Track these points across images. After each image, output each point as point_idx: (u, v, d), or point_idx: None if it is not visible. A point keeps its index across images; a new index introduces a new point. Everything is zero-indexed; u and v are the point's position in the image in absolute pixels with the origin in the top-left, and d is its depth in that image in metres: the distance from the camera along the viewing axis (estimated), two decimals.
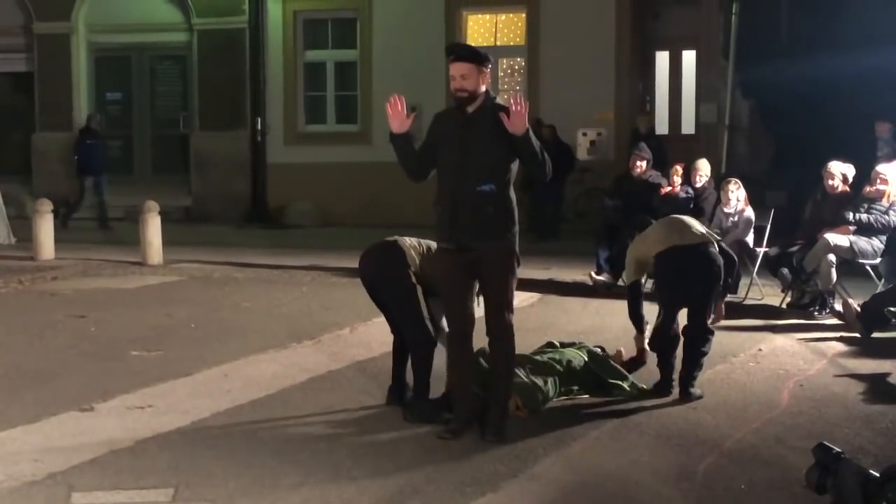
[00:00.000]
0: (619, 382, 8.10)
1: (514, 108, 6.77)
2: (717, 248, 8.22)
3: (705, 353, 8.22)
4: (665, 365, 8.22)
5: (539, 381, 7.65)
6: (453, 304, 7.09)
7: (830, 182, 11.92)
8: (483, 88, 6.98)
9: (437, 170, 7.10)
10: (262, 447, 6.82)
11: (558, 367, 7.93)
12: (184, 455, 6.63)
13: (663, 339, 8.23)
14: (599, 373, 8.10)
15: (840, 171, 11.92)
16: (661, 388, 8.14)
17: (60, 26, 22.53)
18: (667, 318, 8.23)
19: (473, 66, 6.91)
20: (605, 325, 10.85)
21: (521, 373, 7.57)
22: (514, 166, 7.01)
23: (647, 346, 8.49)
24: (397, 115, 6.99)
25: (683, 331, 8.24)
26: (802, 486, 3.44)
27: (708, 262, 8.13)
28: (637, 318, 8.56)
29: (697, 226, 8.40)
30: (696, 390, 8.07)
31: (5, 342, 10.19)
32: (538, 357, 8.08)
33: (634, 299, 8.55)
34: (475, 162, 6.87)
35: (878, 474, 3.26)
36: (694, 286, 8.15)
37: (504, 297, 7.03)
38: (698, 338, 8.16)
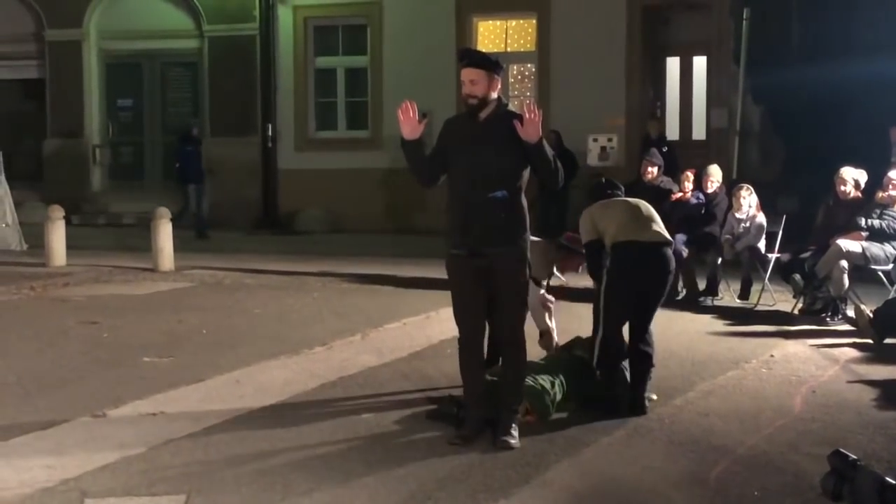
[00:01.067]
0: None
1: (527, 115, 6.76)
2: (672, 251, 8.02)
3: (653, 365, 7.91)
4: (614, 380, 7.79)
5: (546, 384, 7.62)
6: (464, 310, 7.08)
7: (842, 188, 11.89)
8: (494, 95, 6.97)
9: (448, 175, 7.09)
10: (274, 453, 6.81)
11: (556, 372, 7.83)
12: (196, 461, 6.63)
13: (612, 350, 7.79)
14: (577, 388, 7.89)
15: (852, 177, 11.90)
16: (611, 407, 7.68)
17: (72, 33, 22.62)
18: (610, 323, 7.78)
19: (483, 72, 6.91)
20: None
21: (528, 378, 7.54)
22: (526, 173, 7.00)
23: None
24: (409, 122, 6.99)
25: (629, 347, 7.85)
26: (818, 493, 3.43)
27: (664, 265, 7.85)
28: (597, 270, 7.98)
29: (658, 222, 8.07)
30: (648, 394, 7.88)
31: (18, 349, 10.20)
32: (538, 360, 8.06)
33: (596, 252, 7.96)
34: (487, 168, 6.87)
35: (894, 481, 3.25)
36: (646, 287, 7.81)
37: (516, 303, 7.02)
38: (645, 352, 7.82)
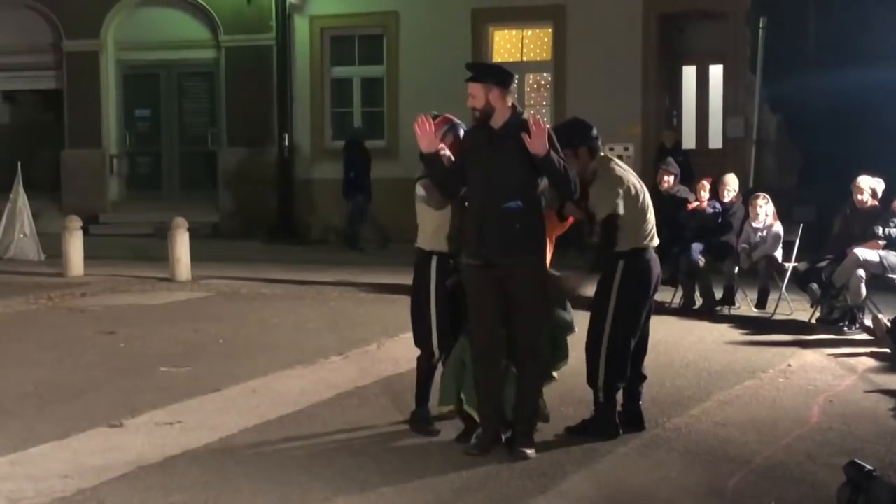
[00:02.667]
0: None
1: (533, 128, 6.76)
2: None
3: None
4: (613, 404, 7.43)
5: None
6: (480, 321, 7.07)
7: (859, 196, 11.86)
8: (502, 105, 6.98)
9: (466, 186, 7.11)
10: (291, 463, 6.83)
11: None
12: (213, 471, 6.65)
13: (623, 372, 7.36)
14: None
15: (869, 186, 11.86)
16: (604, 431, 7.34)
17: (89, 44, 22.69)
18: (628, 341, 7.34)
19: (480, 85, 6.95)
20: None
21: None
22: (542, 182, 6.99)
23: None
24: (426, 135, 7.01)
25: (632, 363, 7.46)
26: (834, 503, 3.42)
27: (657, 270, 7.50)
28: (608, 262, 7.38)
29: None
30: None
31: (35, 358, 10.25)
32: None
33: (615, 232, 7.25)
34: (502, 178, 6.88)
35: None
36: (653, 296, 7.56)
37: (533, 314, 7.01)
38: (642, 369, 7.64)
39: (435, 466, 6.74)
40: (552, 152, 6.85)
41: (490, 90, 6.95)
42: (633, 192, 7.30)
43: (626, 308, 7.28)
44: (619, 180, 7.30)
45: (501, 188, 6.88)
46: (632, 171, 7.55)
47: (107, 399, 8.54)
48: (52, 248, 17.09)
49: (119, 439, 7.38)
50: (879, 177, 12.10)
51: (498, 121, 6.99)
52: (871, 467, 3.37)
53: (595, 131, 7.52)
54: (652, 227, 7.43)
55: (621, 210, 7.19)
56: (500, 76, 7.05)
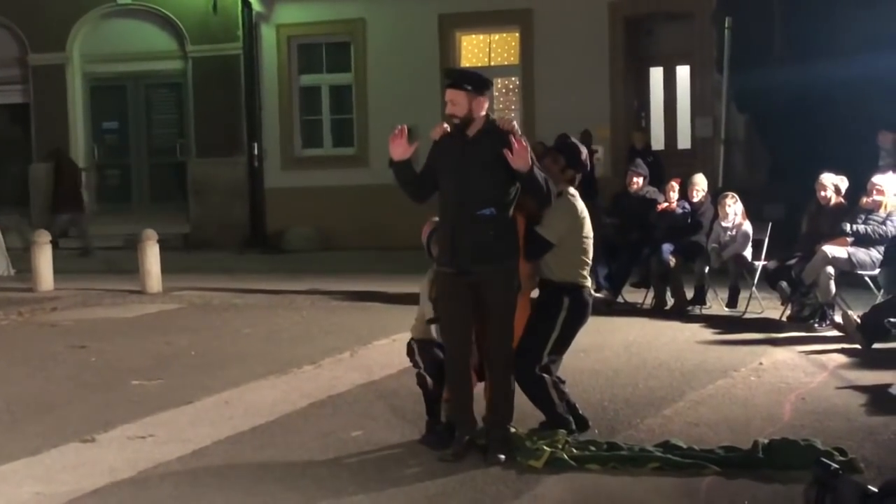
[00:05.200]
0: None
1: (515, 145, 6.75)
2: None
3: None
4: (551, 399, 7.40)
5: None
6: (452, 328, 7.07)
7: (823, 193, 11.93)
8: (480, 114, 6.96)
9: (438, 194, 7.10)
10: (265, 474, 6.80)
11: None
12: (186, 484, 6.62)
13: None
14: None
15: (832, 183, 11.94)
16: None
17: (55, 57, 22.60)
18: (560, 352, 7.47)
19: (462, 92, 6.90)
20: (606, 342, 10.82)
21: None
22: (514, 190, 6.98)
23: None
24: (399, 145, 6.99)
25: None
26: (804, 503, 3.43)
27: None
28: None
29: None
30: None
31: (6, 374, 10.18)
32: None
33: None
34: (475, 186, 6.86)
35: (876, 489, 3.25)
36: None
37: (504, 322, 7.01)
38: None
39: (409, 474, 6.73)
40: (534, 168, 6.86)
41: (473, 98, 6.90)
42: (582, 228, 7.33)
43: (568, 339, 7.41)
44: (573, 210, 7.31)
45: (474, 196, 6.86)
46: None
47: (78, 414, 8.49)
48: (22, 263, 17.00)
49: (91, 454, 7.34)
50: (849, 173, 12.19)
51: (472, 129, 6.98)
52: (836, 466, 3.38)
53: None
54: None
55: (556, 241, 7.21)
56: (482, 83, 7.01)
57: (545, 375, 7.28)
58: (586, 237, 7.36)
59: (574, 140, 7.76)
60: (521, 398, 7.41)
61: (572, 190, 7.40)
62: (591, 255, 7.44)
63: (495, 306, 6.97)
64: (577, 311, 7.34)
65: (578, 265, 7.34)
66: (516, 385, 7.22)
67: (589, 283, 7.47)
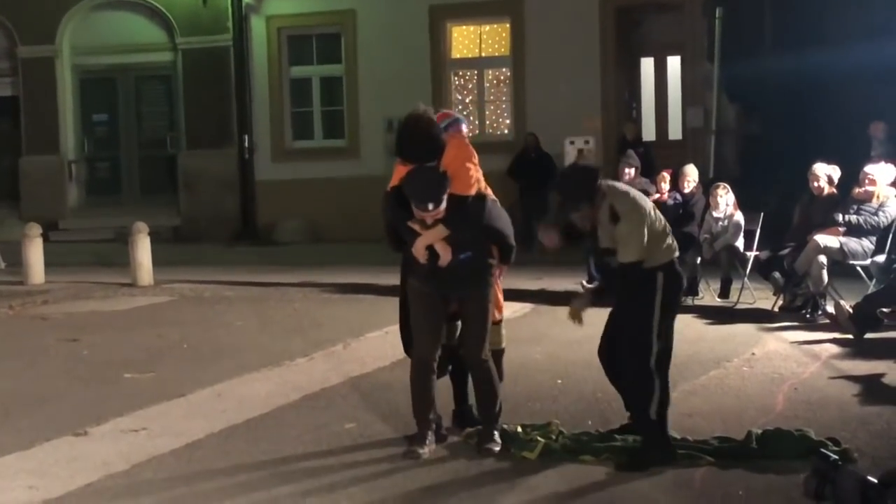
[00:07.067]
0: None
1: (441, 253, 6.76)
2: None
3: None
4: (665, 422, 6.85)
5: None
6: (421, 332, 7.02)
7: (816, 184, 11.95)
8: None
9: None
10: (258, 467, 6.79)
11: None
12: (179, 477, 6.61)
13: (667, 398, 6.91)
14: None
15: (825, 173, 11.95)
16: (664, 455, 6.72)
17: (45, 49, 22.51)
18: (664, 368, 6.90)
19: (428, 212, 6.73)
20: (598, 333, 10.76)
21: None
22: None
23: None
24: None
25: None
26: (801, 493, 3.43)
27: None
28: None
29: None
30: None
31: None
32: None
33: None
34: (451, 238, 6.82)
35: (875, 480, 3.25)
36: None
37: (479, 330, 7.00)
38: None
39: (404, 466, 6.72)
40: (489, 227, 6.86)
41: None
42: (651, 214, 6.92)
43: (669, 320, 6.92)
44: (640, 211, 6.86)
45: (451, 245, 6.82)
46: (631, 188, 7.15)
47: (71, 407, 8.46)
48: (13, 257, 16.95)
49: (84, 448, 7.31)
50: (840, 163, 12.19)
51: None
52: (836, 456, 3.38)
53: (598, 175, 7.02)
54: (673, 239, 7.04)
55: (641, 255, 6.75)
56: (430, 151, 6.75)
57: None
58: (658, 220, 6.89)
59: (567, 180, 7.33)
60: (506, 390, 7.40)
61: (617, 205, 6.76)
62: (668, 226, 7.05)
63: (471, 318, 7.00)
64: (675, 283, 6.89)
65: (666, 244, 6.90)
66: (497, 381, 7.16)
67: (677, 252, 7.01)
